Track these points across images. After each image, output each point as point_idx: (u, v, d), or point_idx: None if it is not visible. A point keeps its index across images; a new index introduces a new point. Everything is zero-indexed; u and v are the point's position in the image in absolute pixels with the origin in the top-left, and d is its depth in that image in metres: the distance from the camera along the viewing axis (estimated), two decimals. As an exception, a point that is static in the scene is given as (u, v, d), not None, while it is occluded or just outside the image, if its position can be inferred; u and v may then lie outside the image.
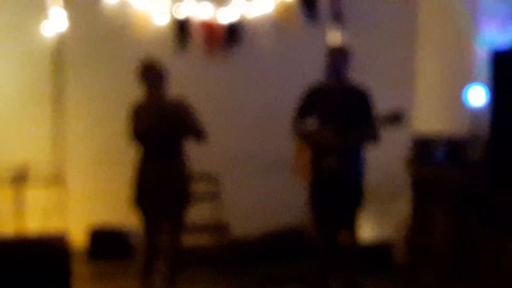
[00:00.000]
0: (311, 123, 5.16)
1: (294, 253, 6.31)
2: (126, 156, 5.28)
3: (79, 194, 6.62)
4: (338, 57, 5.05)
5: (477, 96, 5.65)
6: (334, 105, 5.05)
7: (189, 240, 5.28)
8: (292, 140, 5.27)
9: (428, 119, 6.47)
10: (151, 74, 4.93)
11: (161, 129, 4.88)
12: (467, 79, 5.81)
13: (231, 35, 6.79)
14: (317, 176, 5.06)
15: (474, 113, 5.70)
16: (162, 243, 5.04)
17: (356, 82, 5.13)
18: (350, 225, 5.11)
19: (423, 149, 5.98)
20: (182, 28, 6.73)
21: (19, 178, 6.24)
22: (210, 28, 6.77)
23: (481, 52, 5.50)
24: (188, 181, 5.06)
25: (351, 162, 5.05)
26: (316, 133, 5.08)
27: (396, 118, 4.84)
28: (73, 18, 6.60)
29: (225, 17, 6.76)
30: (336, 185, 5.03)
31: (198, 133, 4.92)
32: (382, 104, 5.11)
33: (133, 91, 5.03)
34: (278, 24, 6.80)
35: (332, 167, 4.97)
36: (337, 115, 5.01)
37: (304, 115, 5.19)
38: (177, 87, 5.09)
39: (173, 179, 4.96)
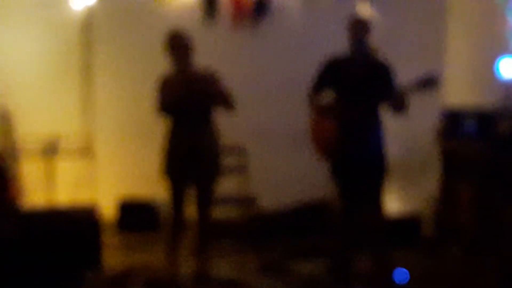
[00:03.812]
0: (328, 96, 5.09)
1: (321, 226, 6.29)
2: (155, 128, 5.31)
3: (109, 166, 6.68)
4: (358, 29, 4.97)
5: (509, 67, 5.57)
6: (353, 77, 4.95)
7: (216, 212, 5.30)
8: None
9: (458, 91, 6.38)
10: (178, 44, 4.90)
11: (189, 100, 4.87)
12: (499, 50, 5.73)
13: (259, 8, 6.74)
14: (337, 150, 4.99)
15: (506, 85, 5.63)
16: (191, 216, 5.05)
17: (378, 54, 5.03)
18: (374, 198, 5.04)
19: (453, 122, 5.93)
20: (210, 0, 6.70)
21: (49, 150, 6.30)
22: (238, 1, 6.74)
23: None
24: (218, 153, 5.07)
25: (370, 135, 4.98)
26: (332, 108, 5.02)
27: (430, 82, 4.71)
28: (101, -10, 6.62)
29: (253, -11, 6.72)
30: (357, 158, 4.96)
31: (226, 102, 4.90)
32: (411, 75, 5.03)
33: (161, 63, 5.04)
34: (307, -5, 6.74)
35: (350, 141, 4.91)
36: (356, 87, 4.93)
37: (321, 87, 5.11)
38: (205, 59, 5.07)
39: (203, 151, 4.96)
